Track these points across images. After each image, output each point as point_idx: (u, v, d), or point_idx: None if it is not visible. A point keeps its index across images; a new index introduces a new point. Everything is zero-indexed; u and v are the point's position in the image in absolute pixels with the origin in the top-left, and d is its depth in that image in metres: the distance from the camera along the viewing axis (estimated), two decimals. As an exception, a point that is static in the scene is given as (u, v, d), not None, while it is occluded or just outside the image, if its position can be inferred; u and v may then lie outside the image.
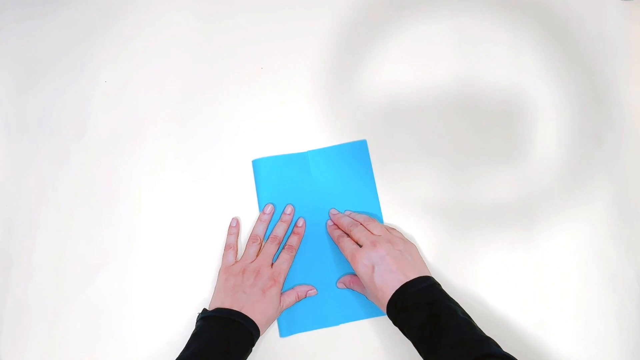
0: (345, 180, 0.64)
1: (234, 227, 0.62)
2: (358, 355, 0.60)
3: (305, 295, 0.60)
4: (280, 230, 0.61)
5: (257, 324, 0.54)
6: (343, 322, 0.60)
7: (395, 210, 0.63)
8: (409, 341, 0.52)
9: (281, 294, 0.58)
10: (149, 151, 0.65)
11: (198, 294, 0.61)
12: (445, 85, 0.66)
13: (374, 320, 0.60)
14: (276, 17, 0.68)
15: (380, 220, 0.63)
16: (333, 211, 0.63)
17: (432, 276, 0.55)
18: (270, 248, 0.60)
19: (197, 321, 0.56)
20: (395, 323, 0.53)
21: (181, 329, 0.59)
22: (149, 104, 0.66)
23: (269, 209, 0.62)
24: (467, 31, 0.68)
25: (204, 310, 0.57)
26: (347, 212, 0.63)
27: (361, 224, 0.59)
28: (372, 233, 0.58)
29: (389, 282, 0.53)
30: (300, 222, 0.62)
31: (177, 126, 0.65)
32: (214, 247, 0.62)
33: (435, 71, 0.66)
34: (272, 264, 0.59)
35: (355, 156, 0.64)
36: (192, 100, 0.66)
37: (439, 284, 0.54)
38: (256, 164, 0.64)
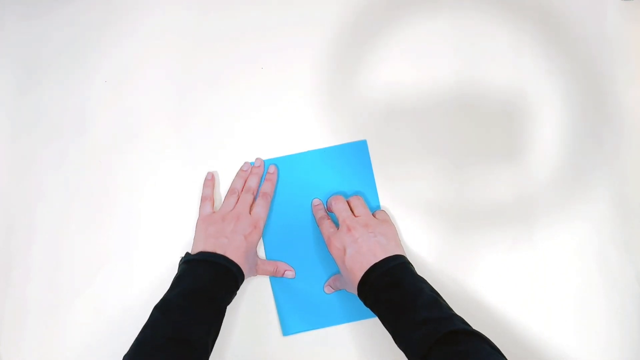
0: (345, 180, 0.64)
1: (210, 180, 0.63)
2: (358, 356, 0.60)
3: (283, 274, 0.61)
4: (252, 182, 0.62)
5: (241, 268, 0.55)
6: (345, 322, 0.60)
7: (396, 210, 0.63)
8: None
9: (261, 258, 0.60)
10: (148, 151, 0.65)
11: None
12: (446, 85, 0.66)
13: (374, 321, 0.60)
14: (276, 17, 0.68)
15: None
16: (316, 201, 0.63)
17: (404, 255, 0.55)
18: (247, 197, 0.61)
19: (180, 265, 0.56)
20: (365, 304, 0.54)
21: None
22: (148, 104, 0.66)
23: (246, 166, 0.63)
24: (468, 31, 0.67)
25: (187, 254, 0.57)
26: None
27: (348, 202, 0.60)
28: (354, 213, 0.59)
29: (358, 264, 0.54)
30: (272, 169, 0.63)
31: (177, 126, 0.65)
32: (214, 247, 0.62)
33: (436, 71, 0.66)
34: (251, 212, 0.60)
35: (355, 156, 0.64)
36: (192, 101, 0.66)
37: (408, 263, 0.55)
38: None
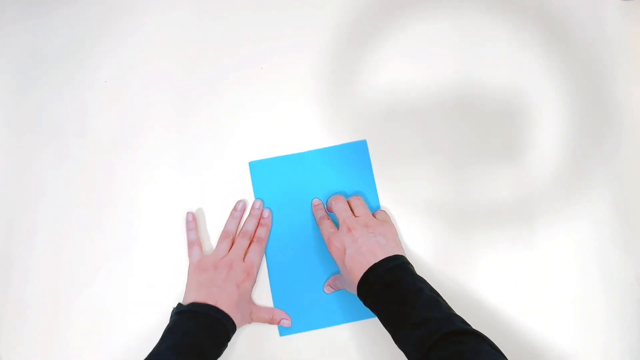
0: (345, 180, 0.64)
1: (191, 221, 0.62)
2: (358, 356, 0.60)
3: (279, 322, 0.60)
4: (250, 224, 0.61)
5: (233, 319, 0.54)
6: (343, 322, 0.60)
7: (396, 211, 0.63)
8: None
9: (256, 305, 0.59)
10: (148, 151, 0.65)
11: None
12: (446, 85, 0.66)
13: (374, 321, 0.60)
14: (276, 17, 0.68)
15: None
16: (316, 201, 0.63)
17: (404, 256, 0.55)
18: (242, 242, 0.60)
19: (172, 315, 0.55)
20: (365, 304, 0.54)
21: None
22: (148, 104, 0.66)
23: (240, 205, 0.62)
24: (468, 31, 0.67)
25: (179, 304, 0.56)
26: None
27: (348, 202, 0.60)
28: (354, 213, 0.58)
29: (357, 264, 0.53)
30: (266, 214, 0.62)
31: (177, 126, 0.65)
32: (212, 248, 0.62)
33: (436, 71, 0.66)
34: (244, 258, 0.59)
35: (355, 156, 0.64)
36: (192, 101, 0.66)
37: (408, 263, 0.54)
38: (253, 166, 0.64)
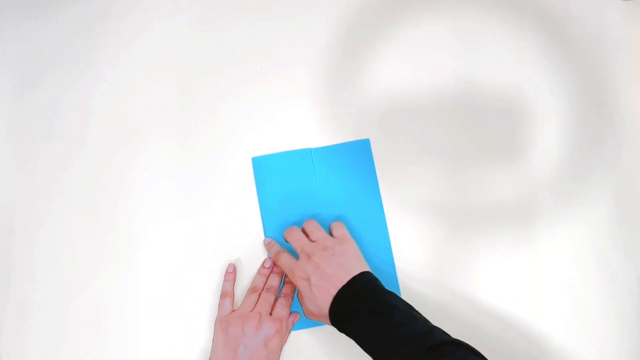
0: (348, 178, 0.64)
1: (231, 272, 0.60)
2: (358, 354, 0.60)
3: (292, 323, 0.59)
4: (274, 281, 0.60)
5: None
6: None
7: (398, 209, 0.63)
8: None
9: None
10: (149, 151, 0.65)
11: (198, 297, 0.61)
12: (447, 85, 0.66)
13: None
14: (277, 16, 0.68)
15: (383, 219, 0.63)
16: (266, 240, 0.62)
17: (368, 270, 0.54)
18: (269, 296, 0.58)
19: None
20: (340, 330, 0.52)
21: (180, 330, 0.60)
22: (149, 104, 0.66)
23: (268, 263, 0.61)
24: (468, 31, 0.68)
25: None
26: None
27: (303, 229, 0.59)
28: (310, 239, 0.57)
29: (324, 291, 0.52)
30: (278, 269, 0.61)
31: (178, 125, 0.65)
32: (213, 248, 0.62)
33: (437, 71, 0.66)
34: (272, 313, 0.57)
35: (358, 155, 0.64)
36: (193, 100, 0.66)
37: (373, 279, 0.53)
38: (256, 161, 0.64)
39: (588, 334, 0.60)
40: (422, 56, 0.67)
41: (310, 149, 0.64)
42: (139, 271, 0.62)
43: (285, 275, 0.60)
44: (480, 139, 0.65)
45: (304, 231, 0.60)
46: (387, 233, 0.62)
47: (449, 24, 0.68)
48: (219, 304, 0.59)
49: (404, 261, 0.62)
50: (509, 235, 0.62)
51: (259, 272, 0.61)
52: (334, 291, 0.52)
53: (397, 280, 0.61)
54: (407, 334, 0.48)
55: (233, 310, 0.58)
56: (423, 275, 0.61)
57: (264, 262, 0.62)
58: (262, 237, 0.63)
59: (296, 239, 0.58)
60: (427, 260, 0.62)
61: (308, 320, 0.58)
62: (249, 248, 0.62)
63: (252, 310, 0.57)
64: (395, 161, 0.64)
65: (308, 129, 0.65)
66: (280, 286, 0.60)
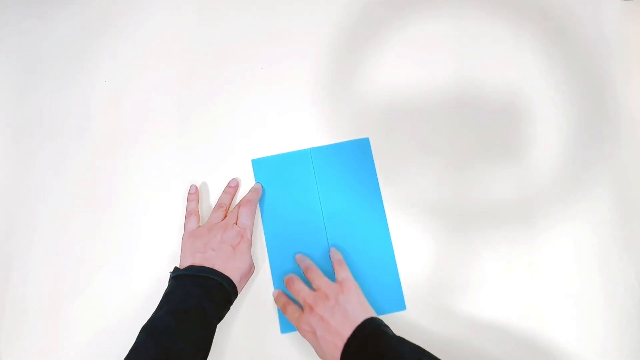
0: (348, 178, 0.64)
1: (193, 193, 0.62)
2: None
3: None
4: (248, 195, 0.62)
5: (232, 279, 0.54)
6: None
7: (398, 208, 0.63)
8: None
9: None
10: (149, 151, 0.65)
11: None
12: (447, 85, 0.66)
13: (385, 317, 0.60)
14: (277, 15, 0.68)
15: (384, 219, 0.63)
16: (275, 292, 0.61)
17: (372, 316, 0.53)
18: (235, 210, 0.60)
19: (169, 280, 0.55)
20: None
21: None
22: (149, 104, 0.66)
23: (234, 182, 0.63)
24: (468, 31, 0.68)
25: (175, 268, 0.56)
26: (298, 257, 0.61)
27: (306, 272, 0.58)
28: (313, 286, 0.56)
29: (331, 345, 0.51)
30: (257, 186, 0.63)
31: (177, 126, 0.65)
32: (214, 247, 0.62)
33: (437, 70, 0.66)
34: (237, 223, 0.59)
35: (357, 154, 0.64)
36: (192, 100, 0.66)
37: (378, 326, 0.52)
38: (256, 163, 0.64)
39: (588, 334, 0.60)
40: (422, 55, 0.67)
41: (310, 149, 0.64)
42: (138, 272, 0.62)
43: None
44: (480, 138, 0.65)
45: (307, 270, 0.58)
46: (388, 232, 0.63)
47: (450, 23, 0.68)
48: (184, 222, 0.61)
49: (405, 260, 0.62)
50: (509, 234, 0.62)
51: (225, 190, 0.63)
52: (340, 344, 0.51)
53: (399, 279, 0.61)
54: None
55: (199, 226, 0.60)
56: (424, 275, 0.61)
57: (230, 181, 0.63)
58: (263, 238, 0.62)
59: (297, 290, 0.57)
60: (428, 259, 0.62)
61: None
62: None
63: (219, 222, 0.59)
64: (396, 160, 0.64)
65: (308, 129, 0.65)
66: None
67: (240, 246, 0.57)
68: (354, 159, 0.64)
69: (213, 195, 0.64)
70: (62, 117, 0.66)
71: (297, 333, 0.60)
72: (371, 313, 0.54)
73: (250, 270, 0.59)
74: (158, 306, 0.52)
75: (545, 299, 0.61)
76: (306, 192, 0.63)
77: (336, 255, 0.60)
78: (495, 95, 0.66)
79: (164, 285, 0.61)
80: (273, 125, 0.65)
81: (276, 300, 0.60)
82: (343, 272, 0.57)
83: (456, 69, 0.66)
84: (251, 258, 0.59)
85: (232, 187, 0.63)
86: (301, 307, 0.56)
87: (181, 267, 0.56)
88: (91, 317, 0.61)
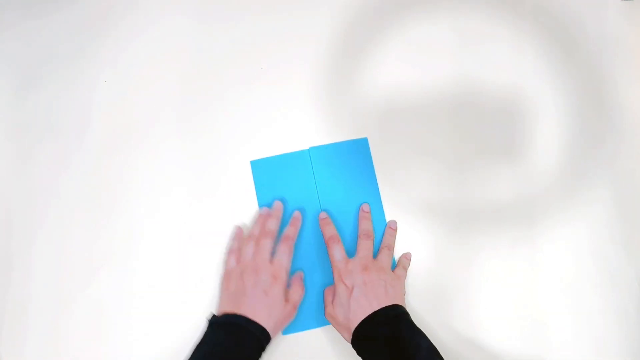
0: (347, 177, 0.64)
1: (238, 233, 0.61)
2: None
3: (301, 279, 0.59)
4: (272, 224, 0.59)
5: (265, 327, 0.53)
6: None
7: (397, 208, 0.63)
8: None
9: (287, 290, 0.57)
10: (149, 151, 0.65)
11: (198, 296, 0.61)
12: (447, 85, 0.66)
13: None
14: (276, 16, 0.68)
15: (382, 219, 0.63)
16: (322, 215, 0.61)
17: (404, 306, 0.54)
18: (265, 243, 0.58)
19: (207, 327, 0.55)
20: (359, 353, 0.53)
21: (181, 330, 0.60)
22: (149, 104, 0.66)
23: (264, 210, 0.62)
24: (468, 31, 0.68)
25: (213, 315, 0.56)
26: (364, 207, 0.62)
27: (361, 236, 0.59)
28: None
29: (360, 308, 0.52)
30: (297, 214, 0.61)
31: (177, 126, 0.65)
32: (214, 249, 0.62)
33: (437, 70, 0.66)
34: (272, 260, 0.58)
35: (356, 154, 0.64)
36: (192, 101, 0.66)
37: (407, 314, 0.53)
38: (255, 164, 0.64)
39: (588, 334, 0.60)
40: (422, 56, 0.67)
41: (308, 150, 0.64)
42: (138, 272, 0.62)
43: (291, 218, 0.61)
44: (480, 138, 0.65)
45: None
46: (388, 233, 0.62)
47: (449, 23, 0.68)
48: (225, 260, 0.60)
49: (403, 261, 0.62)
50: (509, 234, 0.62)
51: (256, 220, 0.61)
52: (369, 311, 0.52)
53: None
54: None
55: (237, 265, 0.58)
56: (423, 275, 0.61)
57: (261, 210, 0.62)
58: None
59: (365, 247, 0.58)
60: (427, 259, 0.62)
61: (308, 322, 0.59)
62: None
63: (251, 262, 0.57)
64: (395, 161, 0.64)
65: (307, 129, 0.65)
66: (279, 230, 0.60)
67: (274, 290, 0.55)
68: (353, 159, 0.64)
69: (211, 198, 0.63)
70: (62, 118, 0.66)
71: (297, 334, 0.60)
72: (404, 302, 0.56)
73: (288, 315, 0.56)
74: (192, 352, 0.53)
75: (545, 299, 0.61)
76: (305, 192, 0.63)
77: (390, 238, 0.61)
78: (495, 95, 0.66)
79: (164, 285, 0.61)
80: (271, 126, 0.65)
81: (323, 224, 0.60)
82: (400, 269, 0.59)
83: (456, 69, 0.66)
84: (285, 299, 0.56)
85: (263, 215, 0.61)
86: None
87: (218, 313, 0.56)
88: (91, 318, 0.61)
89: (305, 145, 0.64)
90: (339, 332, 0.56)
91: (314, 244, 0.62)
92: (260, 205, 0.63)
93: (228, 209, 0.63)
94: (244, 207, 0.63)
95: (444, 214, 0.63)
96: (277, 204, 0.62)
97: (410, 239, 0.62)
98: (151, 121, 0.65)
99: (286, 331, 0.60)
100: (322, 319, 0.60)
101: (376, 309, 0.52)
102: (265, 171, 0.64)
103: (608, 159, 0.65)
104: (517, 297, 0.61)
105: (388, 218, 0.63)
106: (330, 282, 0.60)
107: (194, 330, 0.59)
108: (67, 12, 0.68)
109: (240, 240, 0.60)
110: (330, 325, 0.59)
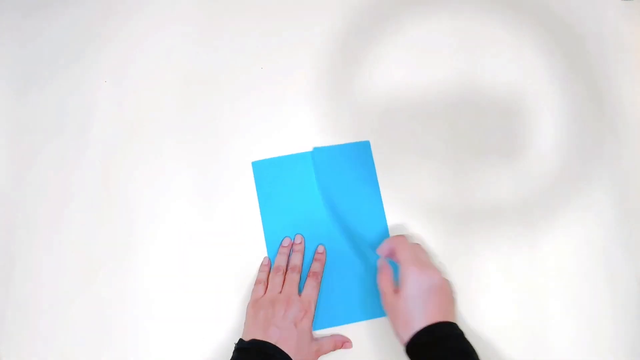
0: (349, 180, 0.64)
1: (266, 265, 0.61)
2: (364, 355, 0.60)
3: (342, 346, 0.59)
4: (296, 259, 0.61)
5: (292, 358, 0.53)
6: (356, 321, 0.60)
7: (399, 211, 0.63)
8: None
9: (319, 340, 0.57)
10: (149, 152, 0.65)
11: (198, 296, 0.61)
12: (447, 86, 0.66)
13: (382, 320, 0.60)
14: (278, 19, 0.68)
15: (384, 221, 0.63)
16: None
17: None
18: (294, 277, 0.59)
19: (234, 351, 0.55)
20: (407, 353, 0.52)
21: (180, 330, 0.60)
22: (149, 104, 0.66)
23: (287, 241, 0.62)
24: (468, 31, 0.68)
25: (240, 340, 0.55)
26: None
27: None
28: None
29: (425, 315, 0.51)
30: (321, 249, 0.62)
31: (178, 126, 0.65)
32: (214, 249, 0.62)
33: (437, 72, 0.66)
34: (300, 294, 0.58)
35: (358, 156, 0.64)
36: (193, 101, 0.66)
37: (464, 334, 0.52)
38: (256, 166, 0.64)
39: (588, 334, 0.60)
40: (422, 57, 0.67)
41: (310, 152, 0.64)
42: (139, 272, 0.62)
43: (315, 253, 0.61)
44: (480, 139, 0.65)
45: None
46: (389, 234, 0.62)
47: (449, 24, 0.68)
48: (252, 290, 0.60)
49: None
50: (509, 234, 0.63)
51: (279, 251, 0.62)
52: (432, 320, 0.51)
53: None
54: None
55: (264, 295, 0.59)
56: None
57: (283, 241, 0.62)
58: (263, 241, 0.62)
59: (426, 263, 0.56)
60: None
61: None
62: (250, 252, 0.62)
63: (280, 292, 0.58)
64: (396, 163, 0.64)
65: (308, 131, 0.65)
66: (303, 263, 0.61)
67: (303, 323, 0.56)
68: (355, 162, 0.64)
69: (212, 200, 0.63)
70: (62, 117, 0.65)
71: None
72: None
73: (313, 354, 0.56)
74: None
75: (545, 299, 0.61)
76: (307, 195, 0.63)
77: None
78: (495, 96, 0.66)
79: (164, 285, 0.61)
80: (273, 128, 0.65)
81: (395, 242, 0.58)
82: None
83: (456, 70, 0.66)
84: (311, 334, 0.57)
85: (286, 246, 0.62)
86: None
87: (245, 339, 0.55)
88: (92, 318, 0.61)
89: (305, 147, 0.64)
90: (394, 329, 0.54)
91: (314, 243, 0.62)
92: (261, 206, 0.63)
93: (229, 210, 0.63)
94: (245, 208, 0.63)
95: (445, 216, 0.63)
96: (299, 238, 0.62)
97: (411, 239, 0.62)
98: (151, 121, 0.65)
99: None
100: (334, 319, 0.60)
101: (438, 320, 0.51)
102: (267, 172, 0.64)
103: (608, 159, 0.65)
104: (517, 297, 0.61)
105: (389, 219, 0.63)
106: (338, 282, 0.61)
107: (193, 330, 0.60)
108: (69, 14, 0.68)
109: (267, 272, 0.61)
110: (344, 325, 0.59)
